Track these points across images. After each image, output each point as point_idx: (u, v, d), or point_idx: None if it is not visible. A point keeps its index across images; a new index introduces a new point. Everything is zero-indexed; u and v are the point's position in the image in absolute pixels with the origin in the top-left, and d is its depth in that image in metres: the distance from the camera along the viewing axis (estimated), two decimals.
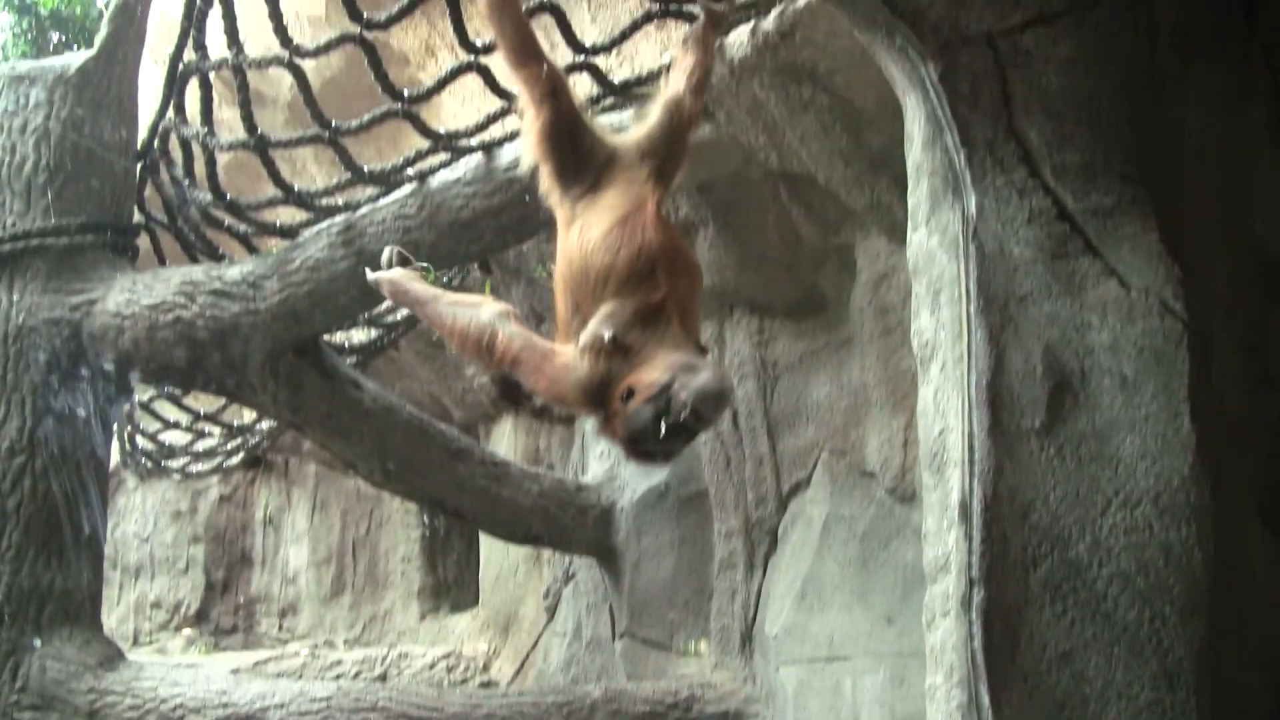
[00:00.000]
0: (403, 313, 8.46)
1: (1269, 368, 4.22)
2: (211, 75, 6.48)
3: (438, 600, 12.14)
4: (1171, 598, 3.73)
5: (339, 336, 8.55)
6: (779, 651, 6.81)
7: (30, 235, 6.87)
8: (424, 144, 6.33)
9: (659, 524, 7.66)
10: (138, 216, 7.50)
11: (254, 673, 9.59)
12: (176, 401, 9.02)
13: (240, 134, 6.42)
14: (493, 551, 10.61)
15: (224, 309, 6.67)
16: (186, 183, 7.02)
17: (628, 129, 5.18)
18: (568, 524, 7.87)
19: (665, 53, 6.28)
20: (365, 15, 5.81)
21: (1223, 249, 4.12)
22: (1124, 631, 3.71)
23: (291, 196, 6.60)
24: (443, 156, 6.41)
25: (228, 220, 7.07)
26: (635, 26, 6.01)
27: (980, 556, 3.71)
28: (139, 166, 7.35)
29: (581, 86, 6.12)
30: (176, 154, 7.10)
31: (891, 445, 6.44)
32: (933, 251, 4.09)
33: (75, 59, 7.22)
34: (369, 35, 5.88)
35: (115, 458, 8.96)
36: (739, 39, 5.84)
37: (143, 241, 7.51)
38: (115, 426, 8.24)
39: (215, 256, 7.37)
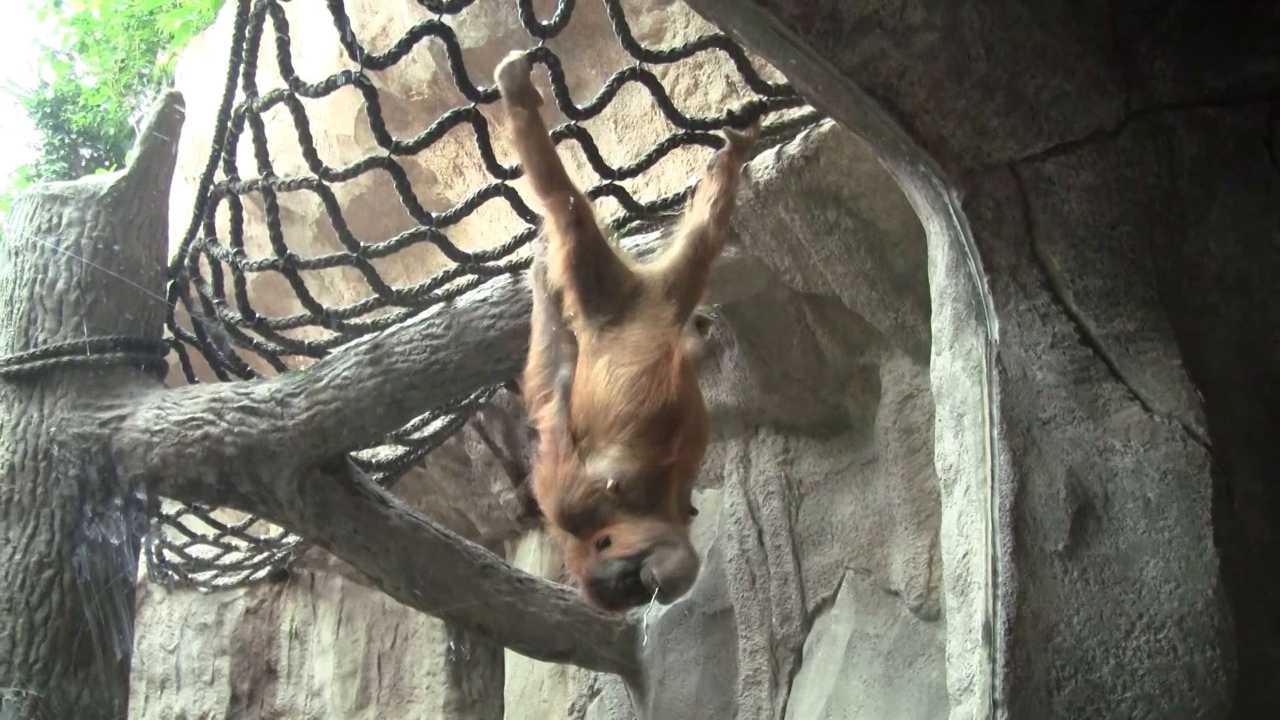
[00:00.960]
0: (429, 429, 8.50)
1: None
2: (241, 195, 6.58)
3: (463, 715, 12.07)
4: None
5: (365, 453, 8.58)
6: None
7: (61, 352, 6.95)
8: (451, 264, 6.40)
9: (684, 641, 7.63)
10: (167, 334, 7.58)
11: None
12: (203, 515, 9.06)
13: (269, 252, 6.51)
14: (518, 667, 10.56)
15: (252, 426, 6.72)
16: (216, 301, 7.10)
17: (653, 252, 5.26)
18: (593, 640, 7.85)
19: (691, 174, 6.36)
20: (394, 138, 5.91)
21: (1244, 376, 4.14)
22: None
23: (320, 316, 6.66)
24: (470, 277, 6.48)
25: (256, 338, 7.14)
26: (661, 150, 6.09)
27: (1003, 679, 3.71)
28: (169, 284, 7.45)
29: (608, 207, 6.21)
30: (206, 272, 7.19)
31: (916, 564, 6.45)
32: (956, 376, 4.12)
33: (108, 179, 7.34)
34: (397, 158, 5.97)
35: (142, 570, 8.98)
36: (764, 163, 5.92)
37: (172, 358, 7.59)
38: (143, 541, 8.27)
39: (244, 374, 7.44)
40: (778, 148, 5.91)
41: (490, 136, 5.88)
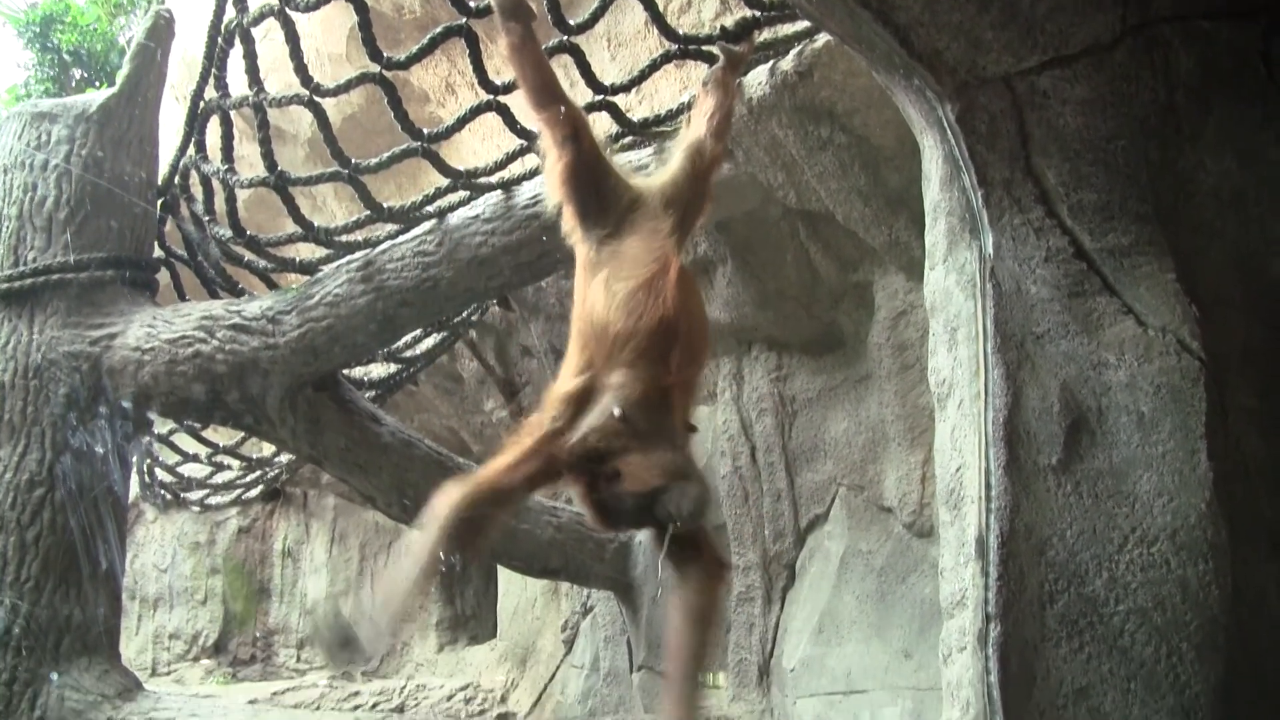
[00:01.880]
0: (422, 347, 8.49)
1: None
2: (232, 113, 6.53)
3: (456, 632, 12.14)
4: (1188, 634, 3.74)
5: (358, 371, 8.57)
6: (796, 685, 6.81)
7: (51, 270, 6.92)
8: (443, 181, 6.36)
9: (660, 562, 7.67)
10: (158, 252, 7.55)
11: (271, 703, 9.59)
12: (195, 435, 9.05)
13: (261, 170, 6.47)
14: (511, 584, 10.61)
15: (243, 344, 6.71)
16: (207, 219, 7.06)
17: (649, 169, 5.23)
18: (585, 558, 7.88)
19: (685, 91, 6.31)
20: (385, 54, 5.86)
21: (1239, 291, 4.12)
22: (1141, 668, 3.71)
23: (311, 233, 6.63)
24: (462, 194, 6.44)
25: (247, 256, 7.11)
26: (654, 66, 6.05)
27: (996, 592, 3.72)
28: (159, 203, 7.40)
29: (601, 125, 6.16)
30: (197, 190, 7.15)
31: (909, 480, 6.46)
32: (950, 290, 4.11)
33: (97, 97, 7.28)
34: (389, 74, 5.92)
35: (134, 490, 8.98)
36: (758, 79, 5.88)
37: (163, 277, 7.57)
38: (134, 459, 8.27)
39: (235, 292, 7.40)
40: (771, 63, 5.86)
41: (482, 53, 5.82)
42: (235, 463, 9.95)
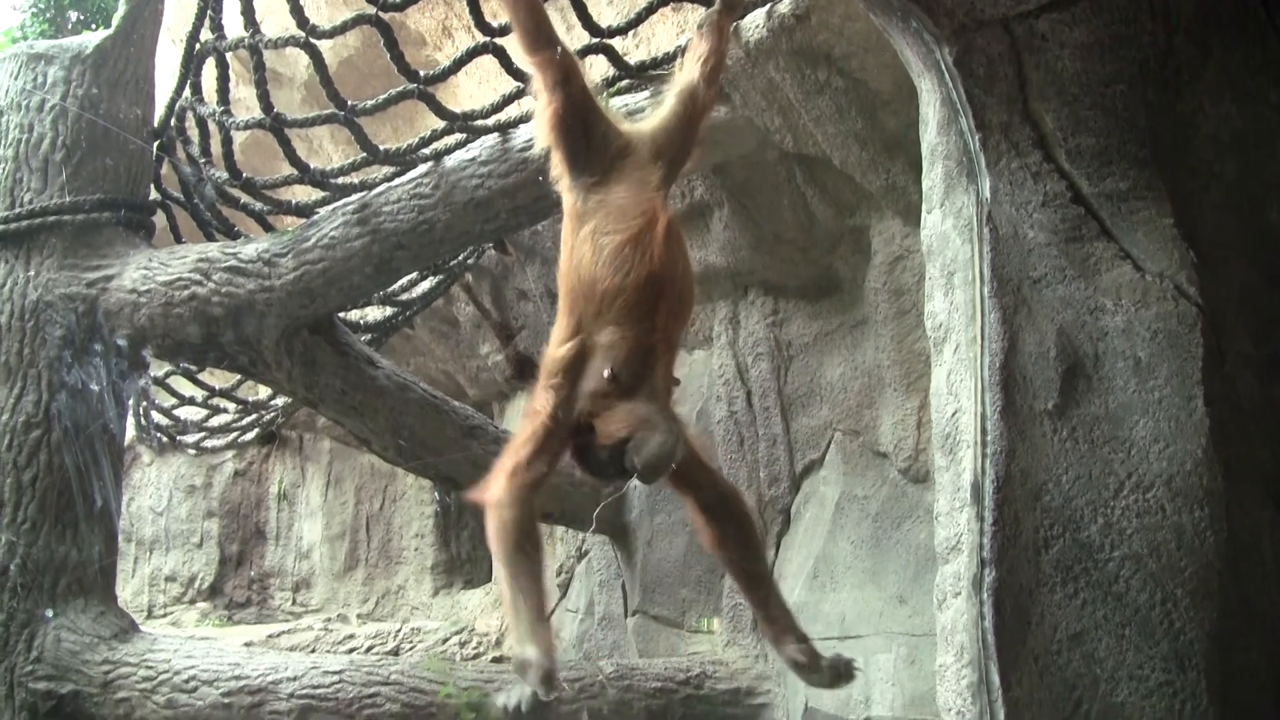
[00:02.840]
0: (418, 290, 8.48)
1: None
2: (228, 55, 6.50)
3: (451, 576, 12.17)
4: (1183, 580, 3.75)
5: (354, 314, 8.57)
6: None
7: (47, 212, 6.90)
8: (439, 124, 6.33)
9: (672, 502, 7.67)
10: (154, 194, 7.52)
11: (267, 646, 9.63)
12: (191, 377, 9.05)
13: (257, 113, 6.44)
14: None
15: (239, 286, 6.69)
16: (203, 161, 7.03)
17: (643, 113, 5.20)
18: (581, 502, 7.88)
19: (682, 35, 6.28)
20: None
21: (1237, 235, 4.12)
22: (1135, 613, 3.73)
23: (307, 175, 6.61)
24: (458, 137, 6.42)
25: (243, 199, 7.08)
26: (651, 9, 6.02)
27: (992, 537, 3.73)
28: (155, 145, 7.37)
29: (597, 68, 6.13)
30: (193, 133, 7.12)
31: (905, 426, 6.45)
32: (947, 234, 4.10)
33: (93, 38, 7.23)
34: (385, 16, 5.89)
35: (130, 433, 8.98)
36: (755, 22, 5.85)
37: (159, 220, 7.55)
38: (130, 402, 8.27)
39: (231, 234, 7.38)
40: (768, 6, 5.82)
41: None
42: (231, 406, 9.94)
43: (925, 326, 4.22)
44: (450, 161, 6.40)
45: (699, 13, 5.56)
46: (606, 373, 4.31)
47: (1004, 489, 3.75)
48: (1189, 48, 4.06)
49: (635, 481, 4.42)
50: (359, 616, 12.23)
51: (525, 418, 4.52)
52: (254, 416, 10.20)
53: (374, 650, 10.05)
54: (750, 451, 7.35)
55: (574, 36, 5.93)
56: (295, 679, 6.51)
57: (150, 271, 6.83)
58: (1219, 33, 4.10)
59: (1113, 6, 3.98)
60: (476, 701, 6.34)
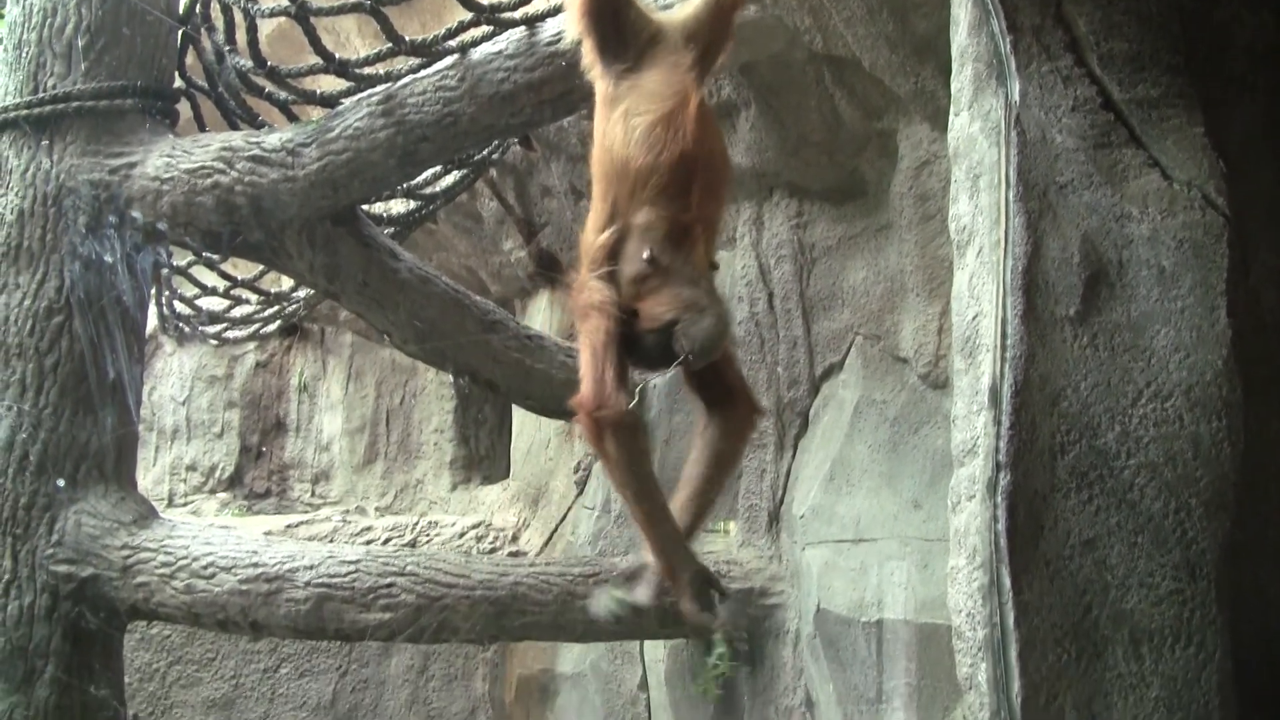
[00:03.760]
0: (442, 184, 8.46)
1: None
2: None
3: (469, 472, 12.23)
4: (1198, 490, 3.75)
5: (377, 207, 8.55)
6: (805, 532, 6.86)
7: (70, 98, 6.88)
8: (466, 16, 6.29)
9: (690, 402, 7.69)
10: (178, 82, 7.50)
11: (285, 536, 9.71)
12: (214, 267, 9.06)
13: (282, 1, 6.41)
14: (525, 425, 10.67)
15: (263, 175, 6.69)
16: (228, 49, 7.00)
17: (673, 5, 5.16)
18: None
19: None
20: None
21: (1268, 147, 4.08)
22: (1149, 521, 3.73)
23: (333, 65, 6.57)
24: (485, 29, 6.37)
25: (268, 88, 7.06)
26: None
27: (1008, 441, 3.72)
28: (180, 33, 7.33)
29: None
30: (218, 20, 7.08)
31: (926, 332, 6.44)
32: (974, 137, 4.07)
33: None
34: None
35: (152, 322, 9.01)
36: None
37: (183, 108, 7.52)
38: (153, 291, 8.29)
39: (255, 124, 7.36)
40: None
41: None
42: (253, 297, 9.96)
43: (949, 229, 4.19)
44: (476, 54, 6.36)
45: None
46: (645, 254, 4.30)
47: (1022, 394, 3.74)
48: None
49: (677, 368, 4.41)
50: (377, 509, 12.32)
51: (586, 315, 4.49)
52: (276, 308, 10.21)
53: (391, 542, 10.12)
54: (770, 354, 7.35)
55: None
56: (312, 568, 6.57)
57: (173, 159, 6.83)
58: None
59: None
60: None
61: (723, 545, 7.45)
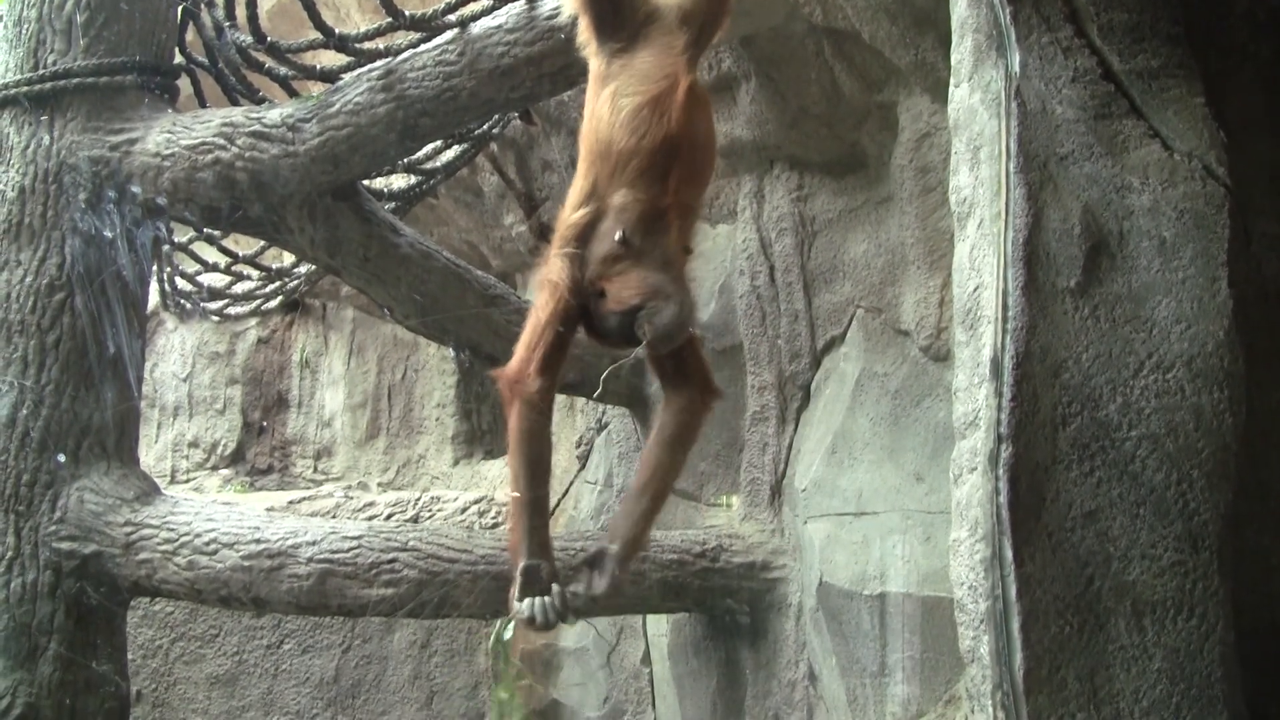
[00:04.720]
0: (442, 159, 8.46)
1: None
2: None
3: (471, 446, 12.22)
4: (1200, 461, 3.75)
5: (378, 182, 8.55)
6: (807, 505, 6.87)
7: (71, 74, 6.88)
8: None
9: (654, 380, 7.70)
10: (178, 58, 7.49)
11: (288, 512, 9.72)
12: (215, 243, 9.06)
13: None
14: None
15: (263, 151, 6.69)
16: (227, 24, 6.99)
17: None
18: (601, 373, 7.89)
19: None
20: None
21: (1269, 116, 4.08)
22: (1150, 493, 3.74)
23: (333, 40, 6.56)
24: (485, 3, 6.36)
25: (268, 63, 7.05)
26: None
27: (1009, 413, 3.72)
28: (180, 7, 7.32)
29: None
30: None
31: (927, 304, 6.44)
32: (974, 108, 4.06)
33: None
34: None
35: (154, 298, 9.01)
36: None
37: (184, 84, 7.52)
38: (154, 267, 8.29)
39: (255, 99, 7.36)
40: None
41: None
42: (255, 273, 9.96)
43: (950, 201, 4.19)
44: (476, 29, 6.34)
45: None
46: (618, 235, 4.32)
47: (1023, 365, 3.74)
48: None
49: (640, 351, 4.43)
50: (379, 485, 12.32)
51: (541, 288, 4.52)
52: (277, 284, 10.21)
53: (394, 518, 10.13)
54: (772, 327, 7.35)
55: None
56: (314, 543, 6.58)
57: (174, 135, 6.83)
58: None
59: None
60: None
61: (725, 519, 7.47)
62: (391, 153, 7.00)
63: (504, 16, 6.28)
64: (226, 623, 10.09)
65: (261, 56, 6.96)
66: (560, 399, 9.40)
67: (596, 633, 8.73)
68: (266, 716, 10.14)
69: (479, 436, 12.28)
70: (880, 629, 6.28)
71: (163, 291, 9.72)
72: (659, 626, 8.14)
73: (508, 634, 5.21)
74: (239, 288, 10.22)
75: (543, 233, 9.76)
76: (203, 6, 7.18)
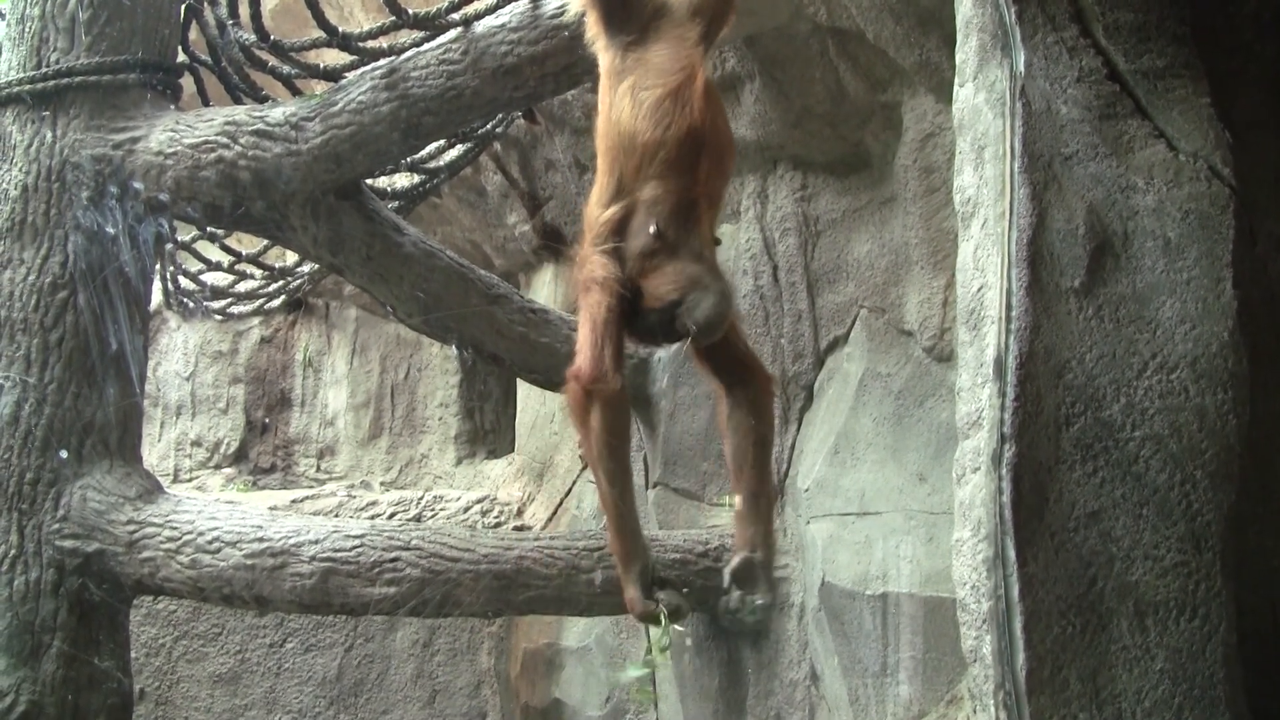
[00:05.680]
0: (446, 158, 8.46)
1: None
2: None
3: (474, 446, 12.23)
4: (1203, 462, 3.75)
5: (381, 181, 8.55)
6: (810, 505, 6.86)
7: (74, 72, 6.90)
8: None
9: (696, 375, 7.66)
10: (181, 56, 7.49)
11: (290, 510, 9.72)
12: (218, 242, 9.07)
13: None
14: (530, 399, 10.66)
15: (266, 150, 6.69)
16: (230, 23, 6.99)
17: None
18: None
19: None
20: None
21: (1273, 116, 4.07)
22: (1154, 493, 3.73)
23: (336, 39, 6.56)
24: (489, 2, 6.36)
25: (271, 62, 7.05)
26: None
27: (1013, 413, 3.72)
28: (183, 6, 7.33)
29: None
30: None
31: (931, 305, 6.44)
32: (979, 108, 4.06)
33: None
34: None
35: (157, 298, 9.01)
36: None
37: (187, 83, 7.53)
38: (157, 266, 8.30)
39: (258, 98, 7.36)
40: None
41: None
42: (258, 271, 9.96)
43: (954, 201, 4.19)
44: (480, 27, 6.35)
45: None
46: (652, 229, 4.31)
47: (1027, 365, 3.74)
48: None
49: (682, 345, 4.44)
50: (382, 484, 12.33)
51: (588, 289, 4.50)
52: (280, 283, 10.22)
53: (396, 517, 10.13)
54: (775, 327, 7.34)
55: None
56: (317, 542, 6.59)
57: (177, 134, 6.84)
58: None
59: None
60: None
61: (727, 519, 7.44)
62: (395, 151, 7.00)
63: (508, 15, 6.29)
64: (229, 621, 10.10)
65: (265, 55, 6.96)
66: (557, 398, 9.42)
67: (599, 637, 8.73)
68: (269, 715, 10.15)
69: (482, 436, 12.29)
70: (882, 629, 6.27)
71: (165, 290, 9.73)
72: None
73: (665, 641, 5.23)
74: (242, 286, 10.23)
75: (546, 232, 9.77)
76: (206, 4, 7.18)
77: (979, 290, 3.91)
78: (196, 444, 13.14)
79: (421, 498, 10.50)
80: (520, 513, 10.26)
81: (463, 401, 12.31)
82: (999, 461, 3.71)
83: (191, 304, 10.28)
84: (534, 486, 10.35)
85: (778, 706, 6.99)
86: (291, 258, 9.65)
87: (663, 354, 6.46)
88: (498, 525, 10.10)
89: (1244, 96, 4.01)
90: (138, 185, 6.80)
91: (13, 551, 6.61)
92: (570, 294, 9.48)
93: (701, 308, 4.27)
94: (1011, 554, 3.66)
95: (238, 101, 7.42)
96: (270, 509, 8.37)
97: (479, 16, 6.37)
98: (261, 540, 6.61)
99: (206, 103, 7.67)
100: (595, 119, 4.68)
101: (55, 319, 6.77)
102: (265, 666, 10.18)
